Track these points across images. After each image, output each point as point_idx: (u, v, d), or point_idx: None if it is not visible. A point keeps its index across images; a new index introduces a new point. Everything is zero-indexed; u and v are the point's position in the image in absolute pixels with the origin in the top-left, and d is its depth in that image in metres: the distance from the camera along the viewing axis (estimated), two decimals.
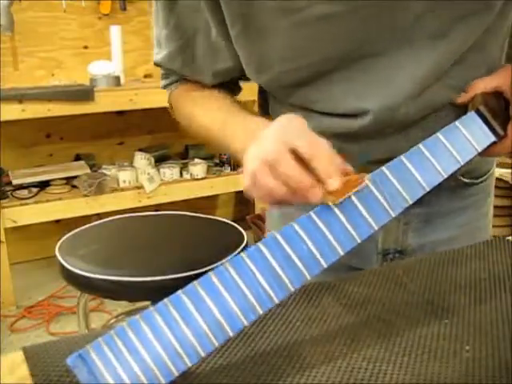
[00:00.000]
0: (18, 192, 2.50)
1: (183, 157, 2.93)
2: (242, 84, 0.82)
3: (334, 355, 0.50)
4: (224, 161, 2.87)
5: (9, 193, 2.49)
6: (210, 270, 0.46)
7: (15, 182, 2.53)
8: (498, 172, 2.38)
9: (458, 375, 0.47)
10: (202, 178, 2.74)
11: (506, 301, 0.59)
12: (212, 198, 3.11)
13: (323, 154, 0.51)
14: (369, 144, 0.71)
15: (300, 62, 0.67)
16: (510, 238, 0.75)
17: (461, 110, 0.68)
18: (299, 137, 0.52)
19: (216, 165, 2.90)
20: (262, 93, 0.83)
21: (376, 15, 0.62)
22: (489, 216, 0.86)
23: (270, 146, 0.52)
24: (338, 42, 0.64)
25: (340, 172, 0.51)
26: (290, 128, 0.54)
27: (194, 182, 2.73)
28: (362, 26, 0.63)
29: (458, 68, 0.67)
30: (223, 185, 2.81)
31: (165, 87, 0.83)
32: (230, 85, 0.79)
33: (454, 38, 0.64)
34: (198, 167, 2.73)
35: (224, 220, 1.56)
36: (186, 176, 2.73)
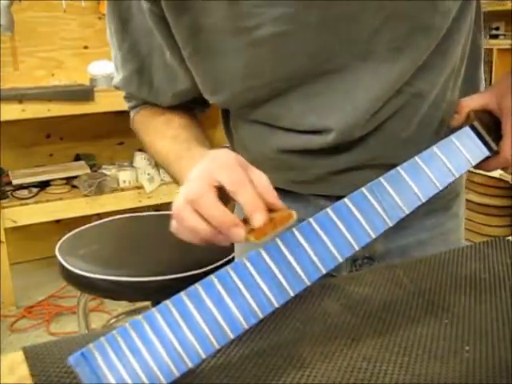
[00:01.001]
0: (18, 192, 2.50)
1: None
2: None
3: (334, 355, 0.50)
4: None
5: (9, 193, 2.49)
6: (209, 270, 0.46)
7: (15, 181, 2.53)
8: (499, 172, 2.38)
9: (459, 375, 0.47)
10: None
11: (506, 301, 0.59)
12: None
13: (247, 190, 0.49)
14: (332, 158, 0.70)
15: (256, 82, 0.65)
16: (510, 238, 0.76)
17: (415, 109, 0.68)
18: (224, 172, 0.50)
19: None
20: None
21: (330, 31, 0.61)
22: (460, 216, 0.85)
23: (193, 185, 0.51)
24: (293, 60, 0.63)
25: (267, 208, 0.49)
26: (215, 164, 0.52)
27: None
28: (317, 42, 0.61)
29: (419, 75, 0.66)
30: None
31: (130, 110, 0.81)
32: (195, 103, 0.77)
33: (413, 49, 0.63)
34: None
35: None
36: None
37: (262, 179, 0.51)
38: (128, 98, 0.80)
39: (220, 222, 0.49)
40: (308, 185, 0.75)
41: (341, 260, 0.50)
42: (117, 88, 0.78)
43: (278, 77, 0.65)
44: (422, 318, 0.56)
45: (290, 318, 0.57)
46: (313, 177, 0.73)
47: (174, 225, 0.53)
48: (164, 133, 0.73)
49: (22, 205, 2.43)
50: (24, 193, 2.50)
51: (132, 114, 0.80)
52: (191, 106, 0.78)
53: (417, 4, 0.61)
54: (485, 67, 0.79)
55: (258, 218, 0.48)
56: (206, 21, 0.61)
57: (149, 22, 0.66)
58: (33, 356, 0.51)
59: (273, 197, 0.50)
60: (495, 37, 2.88)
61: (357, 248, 0.51)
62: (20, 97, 2.30)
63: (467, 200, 2.33)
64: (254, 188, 0.49)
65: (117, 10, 0.69)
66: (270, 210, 0.50)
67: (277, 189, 0.79)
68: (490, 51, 2.90)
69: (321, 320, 0.57)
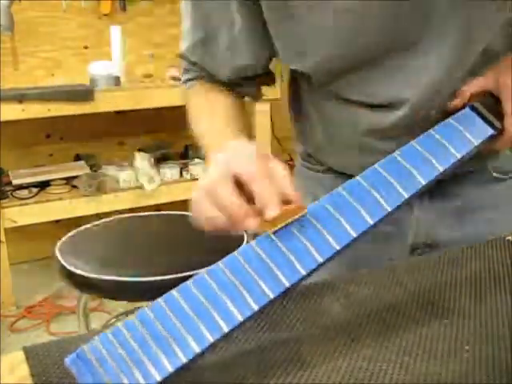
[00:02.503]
0: (18, 192, 2.49)
1: (183, 157, 2.93)
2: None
3: (334, 355, 0.50)
4: None
5: (9, 193, 2.49)
6: None
7: (15, 181, 2.52)
8: None
9: (458, 375, 0.47)
10: None
11: (506, 301, 0.59)
12: None
13: (262, 182, 0.50)
14: (398, 141, 0.69)
15: (340, 50, 0.69)
16: (510, 237, 0.75)
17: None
18: (242, 163, 0.52)
19: None
20: (293, 85, 0.84)
21: (410, 5, 0.64)
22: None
23: (211, 175, 0.53)
24: (372, 33, 0.67)
25: (283, 199, 0.50)
26: (234, 155, 0.54)
27: (194, 182, 2.73)
28: (397, 16, 0.65)
29: (482, 57, 0.68)
30: None
31: (184, 82, 0.84)
32: (250, 83, 0.80)
33: (485, 27, 0.66)
34: (197, 167, 2.72)
35: None
36: (186, 176, 2.73)
37: (281, 171, 0.52)
38: (187, 69, 0.83)
39: (234, 211, 0.50)
40: None
41: (338, 248, 0.50)
42: (182, 57, 0.81)
43: (360, 47, 0.68)
44: (422, 317, 0.56)
45: (290, 318, 0.57)
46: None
47: (192, 213, 0.55)
48: (210, 114, 0.77)
49: (21, 205, 2.43)
50: (24, 193, 2.50)
51: (187, 86, 0.83)
52: (245, 89, 0.81)
53: None
54: None
55: (270, 212, 0.49)
56: None
57: None
58: (33, 356, 0.51)
59: (290, 190, 0.51)
60: None
61: (354, 235, 0.51)
62: (20, 97, 2.30)
63: None
64: (271, 180, 0.51)
65: None
66: (285, 201, 0.50)
67: (348, 175, 0.80)
68: None
69: (321, 320, 0.57)
